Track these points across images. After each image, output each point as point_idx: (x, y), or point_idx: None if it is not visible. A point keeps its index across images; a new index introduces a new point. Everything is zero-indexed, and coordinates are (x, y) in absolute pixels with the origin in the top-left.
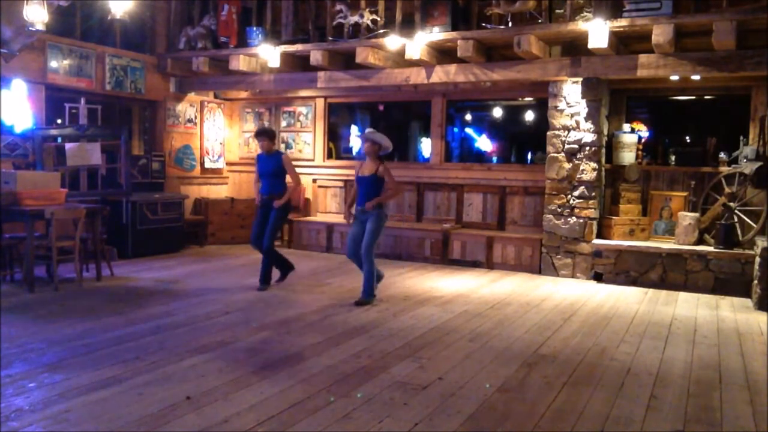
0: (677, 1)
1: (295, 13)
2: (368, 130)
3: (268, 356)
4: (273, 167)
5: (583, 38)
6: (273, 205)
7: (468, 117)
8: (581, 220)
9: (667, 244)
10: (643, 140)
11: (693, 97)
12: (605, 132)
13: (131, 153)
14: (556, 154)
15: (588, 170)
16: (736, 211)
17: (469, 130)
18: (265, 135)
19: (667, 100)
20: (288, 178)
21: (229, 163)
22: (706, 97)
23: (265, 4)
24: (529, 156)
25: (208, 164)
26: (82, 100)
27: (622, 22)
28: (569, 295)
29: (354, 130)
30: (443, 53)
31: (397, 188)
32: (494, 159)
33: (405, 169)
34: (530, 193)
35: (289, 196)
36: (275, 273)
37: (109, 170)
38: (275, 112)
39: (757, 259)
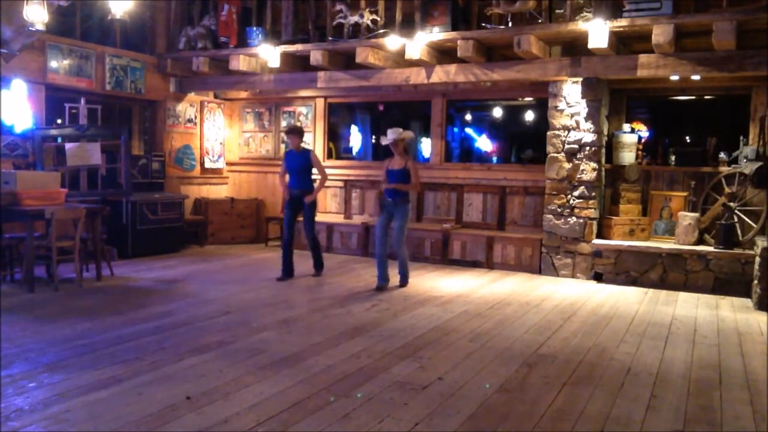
0: (677, 1)
1: (295, 13)
2: (398, 131)
3: (268, 356)
4: (302, 163)
5: (583, 38)
6: (305, 200)
7: (468, 117)
8: (581, 220)
9: (667, 244)
10: (643, 140)
11: (693, 97)
12: (605, 132)
13: (131, 153)
14: (556, 154)
15: (588, 170)
16: (736, 211)
17: (469, 130)
18: (296, 133)
19: (667, 100)
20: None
21: (229, 163)
22: (706, 97)
23: (265, 4)
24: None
25: (208, 164)
26: (82, 100)
27: (622, 22)
28: (569, 295)
29: (354, 130)
30: (443, 53)
31: (417, 185)
32: (494, 159)
33: None
34: (530, 193)
35: (320, 189)
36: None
37: (109, 170)
38: (275, 112)
39: (757, 259)
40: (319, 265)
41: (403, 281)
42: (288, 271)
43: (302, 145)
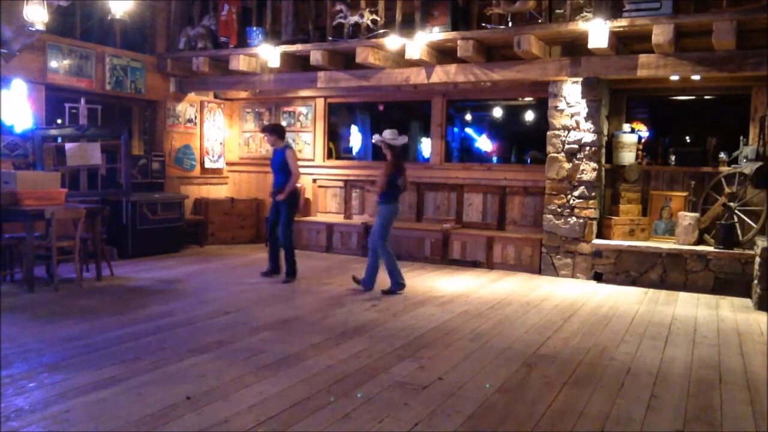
0: (677, 1)
1: (295, 13)
2: (390, 132)
3: (268, 356)
4: (277, 162)
5: (583, 38)
6: (276, 198)
7: (468, 117)
8: (581, 220)
9: (667, 244)
10: (643, 140)
11: (693, 97)
12: (605, 132)
13: (131, 153)
14: (556, 154)
15: (588, 170)
16: (736, 211)
17: (469, 130)
18: (269, 131)
19: (667, 100)
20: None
21: (229, 163)
22: (706, 97)
23: (265, 4)
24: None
25: (208, 164)
26: (82, 100)
27: (622, 22)
28: (569, 295)
29: (354, 130)
30: (443, 53)
31: (380, 184)
32: (494, 159)
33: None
34: (530, 193)
35: (290, 189)
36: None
37: (109, 170)
38: (275, 112)
39: (757, 259)
40: (291, 272)
41: (365, 284)
42: (273, 267)
43: (283, 142)
